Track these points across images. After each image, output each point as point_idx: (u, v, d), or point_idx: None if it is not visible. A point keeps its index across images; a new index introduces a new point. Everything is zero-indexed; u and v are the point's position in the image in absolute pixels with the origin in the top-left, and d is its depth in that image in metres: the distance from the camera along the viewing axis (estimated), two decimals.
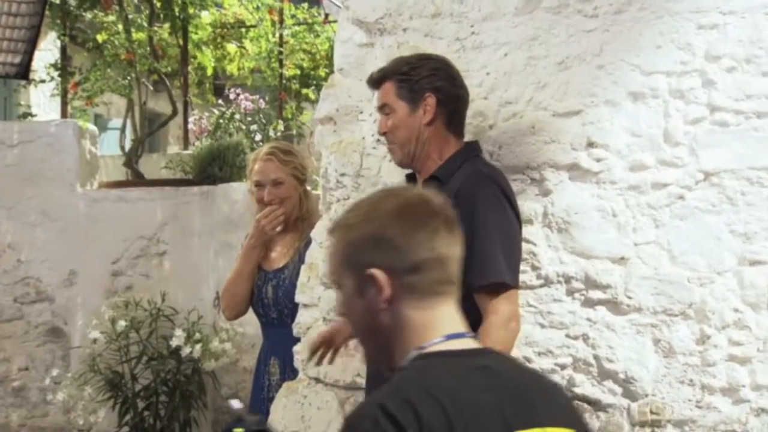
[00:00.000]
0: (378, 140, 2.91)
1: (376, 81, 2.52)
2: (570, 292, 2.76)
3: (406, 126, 2.43)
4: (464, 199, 2.27)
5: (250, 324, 5.03)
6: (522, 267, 2.76)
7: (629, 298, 2.73)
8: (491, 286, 2.28)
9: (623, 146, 2.74)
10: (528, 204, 2.77)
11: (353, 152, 2.96)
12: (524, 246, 2.74)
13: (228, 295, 3.40)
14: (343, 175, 2.96)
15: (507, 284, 2.29)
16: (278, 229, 3.24)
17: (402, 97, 2.43)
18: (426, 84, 2.41)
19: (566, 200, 2.76)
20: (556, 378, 2.76)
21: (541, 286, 2.77)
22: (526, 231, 2.75)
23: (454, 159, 2.45)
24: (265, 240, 3.27)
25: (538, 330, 2.76)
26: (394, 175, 2.87)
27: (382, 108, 2.50)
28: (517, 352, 2.77)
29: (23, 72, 5.33)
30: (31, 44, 5.20)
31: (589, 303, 2.75)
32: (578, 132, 2.76)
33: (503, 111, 2.81)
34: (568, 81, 2.77)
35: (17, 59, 5.20)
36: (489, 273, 2.27)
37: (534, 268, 2.77)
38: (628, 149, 2.74)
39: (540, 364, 2.76)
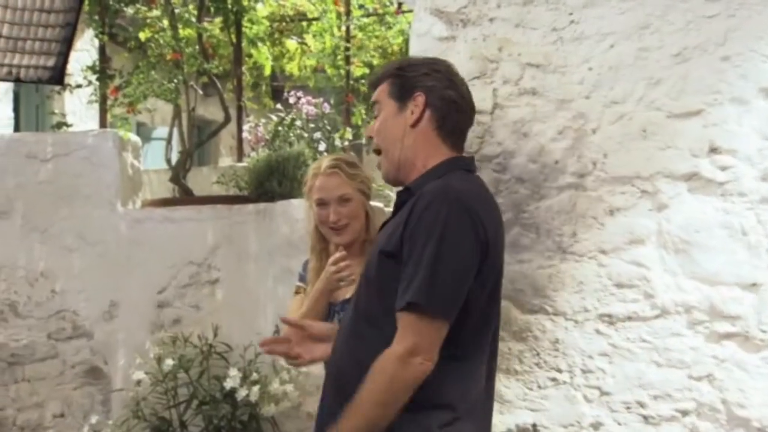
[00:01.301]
0: None
1: (374, 83, 2.57)
2: (691, 325, 2.73)
3: (391, 126, 2.47)
4: (415, 211, 2.28)
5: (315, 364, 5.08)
6: (633, 295, 2.75)
7: (763, 331, 2.69)
8: (406, 308, 2.24)
9: (754, 151, 2.71)
10: (639, 221, 2.76)
11: None
12: (635, 270, 2.73)
13: None
14: None
15: (420, 306, 2.22)
16: (352, 277, 3.31)
17: (392, 94, 2.48)
18: (418, 82, 2.45)
19: (685, 216, 2.74)
20: (677, 426, 2.73)
21: (656, 317, 2.75)
22: (637, 252, 2.74)
23: (436, 169, 2.43)
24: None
25: (653, 369, 2.74)
26: None
27: (373, 107, 2.55)
28: (629, 396, 2.76)
29: (58, 76, 5.41)
30: (67, 44, 5.29)
31: (714, 337, 2.72)
32: (699, 135, 2.74)
33: (608, 112, 2.81)
34: (687, 76, 2.76)
35: (51, 62, 5.28)
36: (406, 294, 2.24)
37: (647, 296, 2.75)
38: (759, 155, 2.71)
39: (657, 409, 2.73)
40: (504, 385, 2.91)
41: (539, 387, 2.91)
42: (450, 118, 2.46)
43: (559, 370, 2.87)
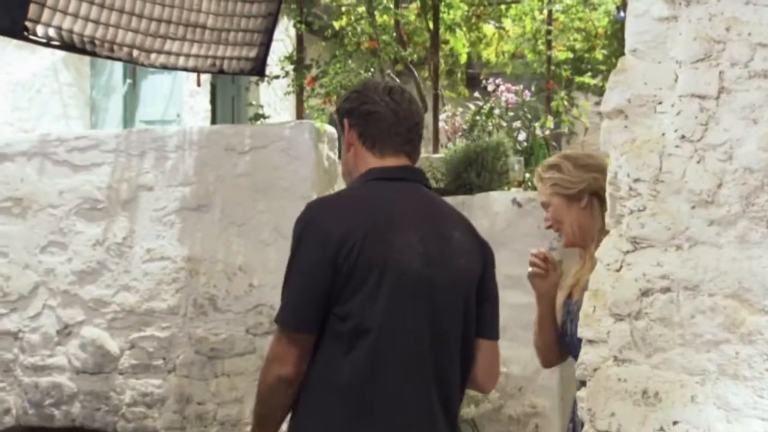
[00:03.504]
0: (682, 137, 2.87)
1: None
2: None
3: (343, 161, 2.84)
4: None
5: (515, 363, 5.06)
6: None
7: None
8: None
9: None
10: None
11: (650, 152, 2.93)
12: None
13: (537, 345, 3.48)
14: (637, 180, 2.93)
15: (277, 321, 2.59)
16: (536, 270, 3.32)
17: (340, 131, 2.84)
18: (342, 111, 2.81)
19: None
20: None
21: None
22: None
23: (351, 184, 2.81)
24: (552, 282, 3.33)
25: None
26: (703, 179, 2.82)
27: None
28: None
29: (260, 68, 5.53)
30: (269, 35, 5.40)
31: None
32: None
33: None
34: None
35: (253, 53, 5.40)
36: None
37: None
38: None
39: None
40: (732, 392, 2.82)
41: None
42: (368, 129, 2.76)
43: None
